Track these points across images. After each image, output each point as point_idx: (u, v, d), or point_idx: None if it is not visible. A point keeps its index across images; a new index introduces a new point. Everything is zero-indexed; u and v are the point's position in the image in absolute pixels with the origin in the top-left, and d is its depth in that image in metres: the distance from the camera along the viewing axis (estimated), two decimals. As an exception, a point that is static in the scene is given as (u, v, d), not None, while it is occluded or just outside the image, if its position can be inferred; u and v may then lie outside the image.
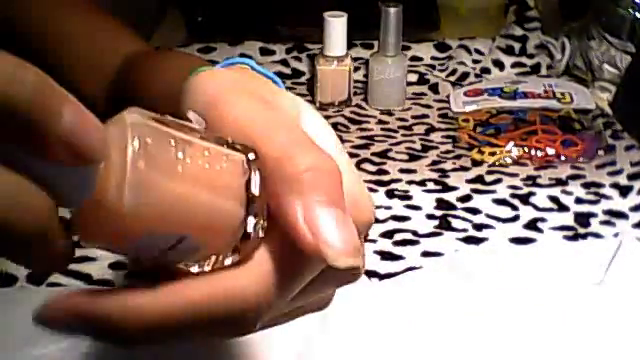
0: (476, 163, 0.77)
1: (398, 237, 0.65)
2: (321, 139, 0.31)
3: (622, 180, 0.73)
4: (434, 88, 0.95)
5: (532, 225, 0.66)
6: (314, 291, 0.31)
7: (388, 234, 0.65)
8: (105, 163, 0.23)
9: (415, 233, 0.65)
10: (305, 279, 0.29)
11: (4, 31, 0.66)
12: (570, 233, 0.65)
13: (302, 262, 0.28)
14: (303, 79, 0.96)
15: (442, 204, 0.70)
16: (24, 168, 0.22)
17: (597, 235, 0.65)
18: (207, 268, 0.28)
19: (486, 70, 0.97)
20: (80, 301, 0.26)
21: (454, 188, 0.72)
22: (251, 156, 0.28)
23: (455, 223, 0.67)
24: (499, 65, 0.97)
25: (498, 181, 0.73)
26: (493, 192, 0.71)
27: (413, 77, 0.95)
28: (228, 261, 0.28)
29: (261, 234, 0.28)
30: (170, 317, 0.27)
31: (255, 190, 0.27)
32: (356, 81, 0.93)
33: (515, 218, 0.67)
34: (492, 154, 0.78)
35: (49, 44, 0.66)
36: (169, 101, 0.48)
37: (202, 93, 0.32)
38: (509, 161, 0.77)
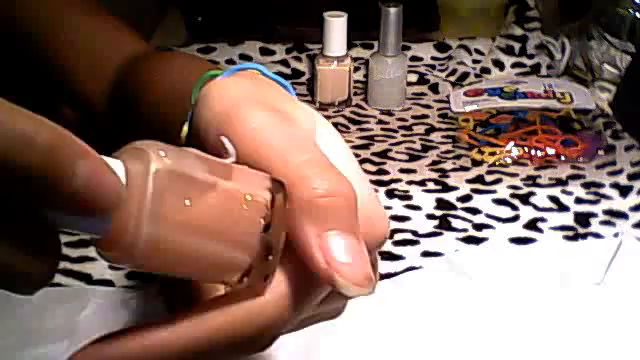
0: (476, 163, 0.77)
1: (398, 237, 0.65)
2: (335, 155, 0.31)
3: (622, 180, 0.73)
4: (434, 88, 0.95)
5: (532, 225, 0.66)
6: (326, 304, 0.31)
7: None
8: (123, 204, 0.24)
9: (415, 233, 0.65)
10: (318, 299, 0.30)
11: (5, 31, 0.66)
12: (570, 233, 0.65)
13: (316, 285, 0.29)
14: (303, 79, 0.96)
15: (442, 204, 0.70)
16: (38, 216, 0.23)
17: (597, 235, 0.65)
18: (222, 291, 0.29)
19: (486, 70, 0.97)
20: (102, 348, 0.28)
21: (454, 188, 0.72)
22: (278, 197, 0.28)
23: (455, 223, 0.67)
24: (499, 65, 0.97)
25: (498, 181, 0.73)
26: (493, 192, 0.71)
27: (413, 77, 0.95)
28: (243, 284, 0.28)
29: (273, 269, 0.28)
30: (190, 349, 0.27)
31: (272, 236, 0.28)
32: (356, 81, 0.93)
33: (515, 218, 0.67)
34: (492, 154, 0.78)
35: (50, 44, 0.66)
36: (173, 102, 0.48)
37: (216, 104, 0.32)
38: (509, 161, 0.77)
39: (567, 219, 0.67)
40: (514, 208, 0.69)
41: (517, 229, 0.66)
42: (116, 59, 0.64)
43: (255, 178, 0.27)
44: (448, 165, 0.77)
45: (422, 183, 0.73)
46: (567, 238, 0.64)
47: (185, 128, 0.36)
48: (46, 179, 0.22)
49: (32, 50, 0.67)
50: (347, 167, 0.31)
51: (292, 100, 0.34)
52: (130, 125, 0.60)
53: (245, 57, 0.98)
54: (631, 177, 0.73)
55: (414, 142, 0.82)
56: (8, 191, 0.21)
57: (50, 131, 0.22)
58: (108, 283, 0.59)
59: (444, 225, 0.66)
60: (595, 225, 0.66)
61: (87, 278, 0.60)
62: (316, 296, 0.30)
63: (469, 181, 0.73)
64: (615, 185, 0.72)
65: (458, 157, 0.78)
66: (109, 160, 0.24)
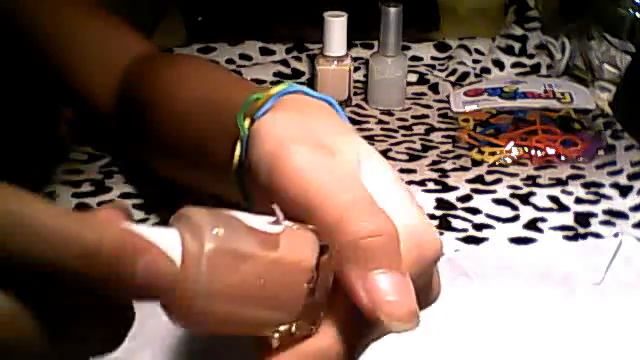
0: (476, 163, 0.77)
1: (398, 237, 0.65)
2: (381, 185, 0.32)
3: (622, 180, 0.73)
4: (434, 88, 0.95)
5: (532, 225, 0.66)
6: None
7: (388, 234, 0.65)
8: (181, 280, 0.26)
9: (415, 233, 0.65)
10: (371, 336, 0.31)
11: (9, 32, 0.66)
12: (570, 233, 0.65)
13: (367, 324, 0.30)
14: (303, 79, 0.96)
15: (442, 204, 0.70)
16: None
17: (597, 235, 0.64)
18: (276, 339, 0.30)
19: (486, 70, 0.97)
20: None
21: (454, 188, 0.72)
22: (324, 259, 0.29)
23: (455, 223, 0.67)
24: (499, 65, 0.97)
25: (498, 181, 0.73)
26: (493, 192, 0.71)
27: (413, 77, 0.95)
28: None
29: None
30: None
31: (317, 296, 0.29)
32: (356, 81, 0.93)
33: (515, 218, 0.67)
34: (492, 154, 0.78)
35: (55, 45, 0.66)
36: (205, 117, 0.48)
37: (266, 143, 0.33)
38: (509, 161, 0.77)
39: (567, 219, 0.67)
40: (514, 208, 0.69)
41: (517, 229, 0.66)
42: (122, 59, 0.64)
43: (302, 243, 0.29)
44: (448, 165, 0.77)
45: (422, 183, 0.73)
46: (567, 238, 0.64)
47: (235, 161, 0.39)
48: (110, 281, 0.23)
49: (36, 51, 0.67)
50: (393, 196, 0.32)
51: (337, 132, 0.35)
52: (139, 126, 0.60)
53: (245, 57, 0.98)
54: (631, 177, 0.73)
55: (414, 142, 0.82)
56: (77, 292, 0.23)
57: (113, 236, 0.23)
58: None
59: (444, 225, 0.66)
60: (595, 225, 0.66)
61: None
62: (369, 333, 0.31)
63: (469, 181, 0.73)
64: (615, 185, 0.72)
65: (458, 157, 0.78)
66: (165, 233, 0.26)
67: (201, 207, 0.27)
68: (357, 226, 0.29)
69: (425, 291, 0.34)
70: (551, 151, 0.77)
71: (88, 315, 0.24)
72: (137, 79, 0.61)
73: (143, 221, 0.64)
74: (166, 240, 0.26)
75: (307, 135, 0.33)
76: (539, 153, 0.77)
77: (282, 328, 0.29)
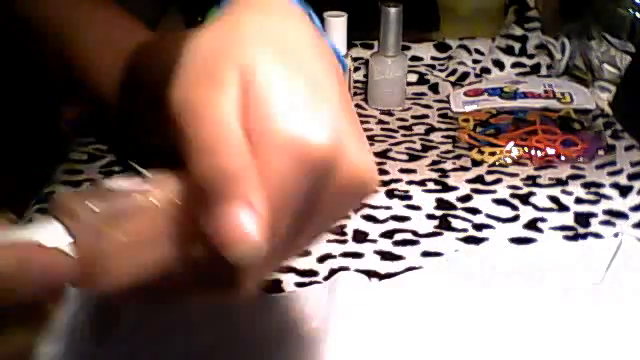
0: (476, 163, 0.77)
1: (398, 237, 0.65)
2: (282, 91, 0.30)
3: (622, 180, 0.73)
4: (434, 88, 0.95)
5: (532, 225, 0.66)
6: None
7: (388, 234, 0.65)
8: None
9: (415, 233, 0.65)
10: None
11: (13, 25, 0.67)
12: (570, 233, 0.65)
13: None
14: (303, 79, 0.96)
15: (442, 204, 0.70)
16: None
17: (597, 235, 0.65)
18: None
19: (486, 70, 0.97)
20: None
21: (454, 188, 0.72)
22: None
23: (455, 223, 0.67)
24: (499, 65, 0.97)
25: (498, 181, 0.73)
26: (493, 192, 0.71)
27: (413, 77, 0.95)
28: None
29: None
30: None
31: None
32: (356, 81, 0.93)
33: (515, 218, 0.67)
34: (492, 154, 0.78)
35: (62, 34, 0.66)
36: None
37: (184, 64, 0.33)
38: (509, 161, 0.77)
39: (567, 219, 0.67)
40: (514, 208, 0.69)
41: (517, 229, 0.66)
42: (128, 46, 0.65)
43: (164, 187, 0.32)
44: (448, 165, 0.77)
45: (422, 183, 0.73)
46: (567, 238, 0.64)
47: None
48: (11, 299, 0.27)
49: (40, 43, 0.67)
50: (285, 101, 0.30)
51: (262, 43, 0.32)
52: (138, 109, 0.60)
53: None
54: (631, 177, 0.73)
55: (414, 142, 0.82)
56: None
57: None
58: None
59: (444, 225, 0.66)
60: (595, 225, 0.66)
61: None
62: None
63: (469, 181, 0.73)
64: (615, 185, 0.72)
65: (458, 157, 0.78)
66: (47, 227, 0.30)
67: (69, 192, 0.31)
68: (200, 165, 0.29)
69: (321, 210, 0.32)
70: (551, 151, 0.77)
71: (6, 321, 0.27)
72: (137, 63, 0.61)
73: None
74: (51, 233, 0.29)
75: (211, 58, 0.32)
76: (539, 153, 0.77)
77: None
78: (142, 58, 0.62)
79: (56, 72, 0.68)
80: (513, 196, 0.71)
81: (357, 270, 0.59)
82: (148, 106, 0.58)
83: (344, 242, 0.64)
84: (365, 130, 0.93)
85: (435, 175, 0.75)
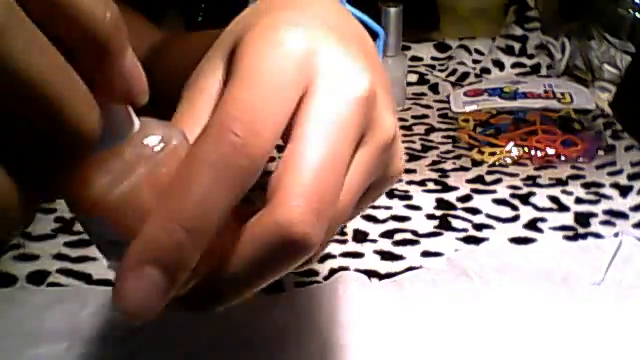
0: (476, 163, 0.77)
1: (398, 237, 0.65)
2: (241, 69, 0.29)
3: (622, 180, 0.73)
4: (434, 88, 0.95)
5: (532, 225, 0.66)
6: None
7: (388, 234, 0.65)
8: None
9: (415, 233, 0.65)
10: None
11: None
12: (570, 233, 0.65)
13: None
14: (303, 79, 0.96)
15: (442, 204, 0.70)
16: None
17: (597, 235, 0.65)
18: None
19: (486, 70, 0.97)
20: None
21: (454, 188, 0.72)
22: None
23: (455, 223, 0.67)
24: (499, 65, 0.97)
25: (498, 181, 0.73)
26: (493, 192, 0.71)
27: (413, 77, 0.95)
28: None
29: None
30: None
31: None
32: (356, 81, 0.93)
33: (515, 218, 0.67)
34: (492, 154, 0.78)
35: None
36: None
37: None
38: (509, 161, 0.77)
39: (567, 219, 0.67)
40: (514, 208, 0.69)
41: (517, 229, 0.66)
42: (141, 47, 0.64)
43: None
44: (448, 165, 0.77)
45: (422, 183, 0.73)
46: (567, 238, 0.64)
47: None
48: (106, 51, 0.23)
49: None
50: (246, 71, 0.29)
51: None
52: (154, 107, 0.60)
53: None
54: (631, 177, 0.73)
55: (414, 142, 0.82)
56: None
57: (116, 10, 0.23)
58: (108, 283, 0.59)
59: (444, 225, 0.66)
60: (595, 225, 0.66)
61: (87, 278, 0.60)
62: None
63: (469, 181, 0.73)
64: (615, 185, 0.72)
65: (458, 157, 0.78)
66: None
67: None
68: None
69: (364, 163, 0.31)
70: (551, 151, 0.77)
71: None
72: (155, 61, 0.61)
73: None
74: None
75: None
76: (539, 153, 0.77)
77: None
78: (154, 59, 0.62)
79: None
80: (513, 196, 0.71)
81: (357, 270, 0.59)
82: (159, 106, 0.58)
83: (344, 242, 0.64)
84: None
85: (435, 175, 0.75)
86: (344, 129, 0.29)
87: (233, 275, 0.28)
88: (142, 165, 0.26)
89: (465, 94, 0.91)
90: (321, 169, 0.28)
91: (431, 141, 0.82)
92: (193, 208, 0.25)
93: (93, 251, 0.62)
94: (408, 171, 0.75)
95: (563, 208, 0.69)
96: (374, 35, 0.46)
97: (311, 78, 0.29)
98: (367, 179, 0.31)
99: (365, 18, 0.38)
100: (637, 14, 0.90)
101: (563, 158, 0.77)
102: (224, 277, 0.28)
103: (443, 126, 0.85)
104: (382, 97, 0.31)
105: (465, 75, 0.96)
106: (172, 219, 0.25)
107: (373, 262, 0.61)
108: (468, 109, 0.88)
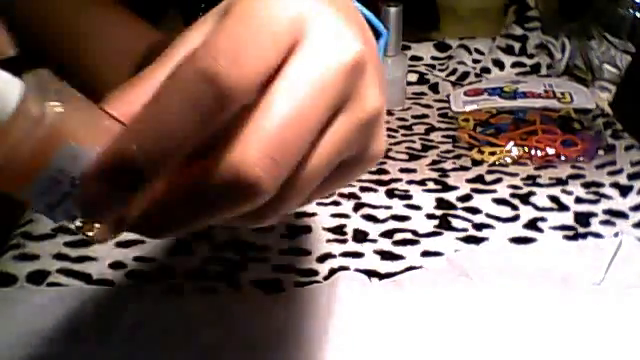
0: (476, 163, 0.77)
1: (398, 237, 0.65)
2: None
3: (622, 180, 0.73)
4: (434, 88, 0.95)
5: (532, 225, 0.66)
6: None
7: (388, 234, 0.65)
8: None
9: (415, 233, 0.65)
10: None
11: (27, 32, 0.67)
12: (570, 233, 0.65)
13: None
14: (303, 79, 0.96)
15: (442, 204, 0.70)
16: None
17: (597, 235, 0.65)
18: None
19: (486, 70, 0.97)
20: None
21: (454, 188, 0.72)
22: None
23: (455, 223, 0.67)
24: (499, 65, 0.97)
25: (498, 181, 0.73)
26: (493, 192, 0.71)
27: (413, 77, 0.95)
28: None
29: None
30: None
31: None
32: (356, 81, 0.93)
33: (515, 218, 0.67)
34: (492, 154, 0.78)
35: (72, 36, 0.67)
36: None
37: None
38: (509, 161, 0.77)
39: (567, 219, 0.67)
40: (514, 208, 0.69)
41: (517, 229, 0.66)
42: (139, 48, 0.65)
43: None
44: (448, 165, 0.77)
45: (422, 183, 0.73)
46: (567, 238, 0.64)
47: None
48: None
49: (49, 44, 0.67)
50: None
51: None
52: None
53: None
54: (631, 177, 0.73)
55: (414, 142, 0.82)
56: None
57: None
58: (108, 283, 0.59)
59: (444, 225, 0.66)
60: (595, 225, 0.66)
61: (87, 278, 0.60)
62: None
63: (469, 181, 0.73)
64: (615, 185, 0.72)
65: (458, 157, 0.78)
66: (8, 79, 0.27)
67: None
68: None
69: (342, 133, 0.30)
70: (551, 151, 0.77)
71: None
72: (150, 63, 0.62)
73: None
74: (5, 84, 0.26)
75: None
76: (539, 153, 0.77)
77: None
78: (152, 59, 0.62)
79: (65, 75, 0.68)
80: (513, 196, 0.71)
81: (357, 270, 0.59)
82: None
83: (344, 242, 0.64)
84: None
85: (435, 175, 0.75)
86: (322, 90, 0.29)
87: (181, 203, 0.29)
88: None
89: (465, 94, 0.91)
90: (287, 122, 0.28)
91: (431, 141, 0.82)
92: (155, 129, 0.26)
93: (93, 251, 0.62)
94: (408, 171, 0.75)
95: (563, 208, 0.69)
96: (377, 34, 0.46)
97: (300, 36, 0.29)
98: (342, 149, 0.31)
99: (371, 16, 0.37)
100: (637, 14, 0.89)
101: (563, 158, 0.77)
102: (171, 205, 0.29)
103: (443, 126, 0.85)
104: (371, 72, 0.31)
105: (465, 75, 0.96)
106: (131, 139, 0.26)
107: (373, 262, 0.61)
108: (468, 109, 0.88)
